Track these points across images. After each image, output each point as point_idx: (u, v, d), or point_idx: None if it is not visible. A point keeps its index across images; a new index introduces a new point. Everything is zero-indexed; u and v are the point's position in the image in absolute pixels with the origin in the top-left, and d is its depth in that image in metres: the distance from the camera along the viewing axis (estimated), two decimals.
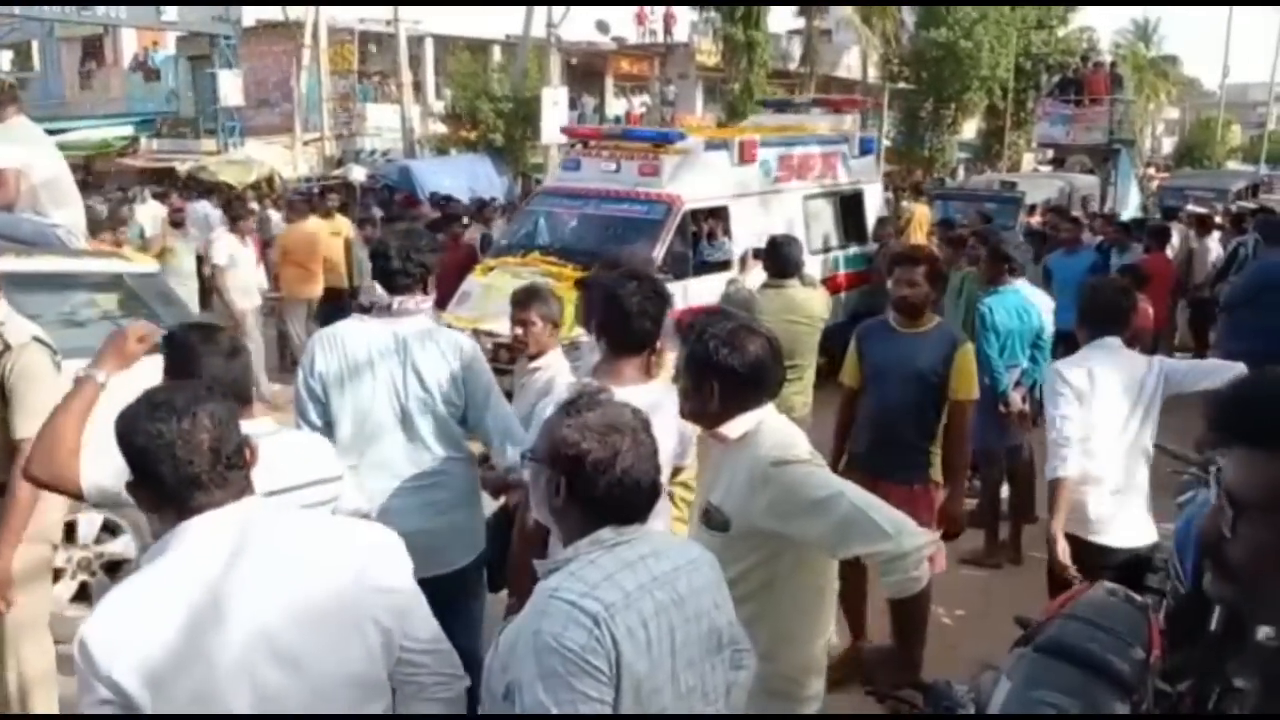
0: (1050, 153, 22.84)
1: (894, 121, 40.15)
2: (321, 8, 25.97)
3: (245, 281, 9.86)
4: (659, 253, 8.41)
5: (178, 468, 1.86)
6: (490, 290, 8.57)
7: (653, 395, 2.97)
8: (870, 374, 4.59)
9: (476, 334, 7.64)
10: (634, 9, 35.13)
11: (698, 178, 9.19)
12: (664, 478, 2.72)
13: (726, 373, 2.59)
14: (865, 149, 11.45)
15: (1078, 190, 16.68)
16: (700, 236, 9.34)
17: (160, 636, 1.77)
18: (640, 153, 9.37)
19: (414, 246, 3.43)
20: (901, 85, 38.58)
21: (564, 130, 14.09)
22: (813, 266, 9.45)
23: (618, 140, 9.98)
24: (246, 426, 2.48)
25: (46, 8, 24.98)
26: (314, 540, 1.99)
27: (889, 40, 36.41)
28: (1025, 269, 6.63)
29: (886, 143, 39.10)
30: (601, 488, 1.97)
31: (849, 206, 11.03)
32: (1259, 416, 1.34)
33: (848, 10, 34.57)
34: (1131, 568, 3.91)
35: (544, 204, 10.16)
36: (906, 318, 4.45)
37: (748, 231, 9.18)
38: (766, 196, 9.84)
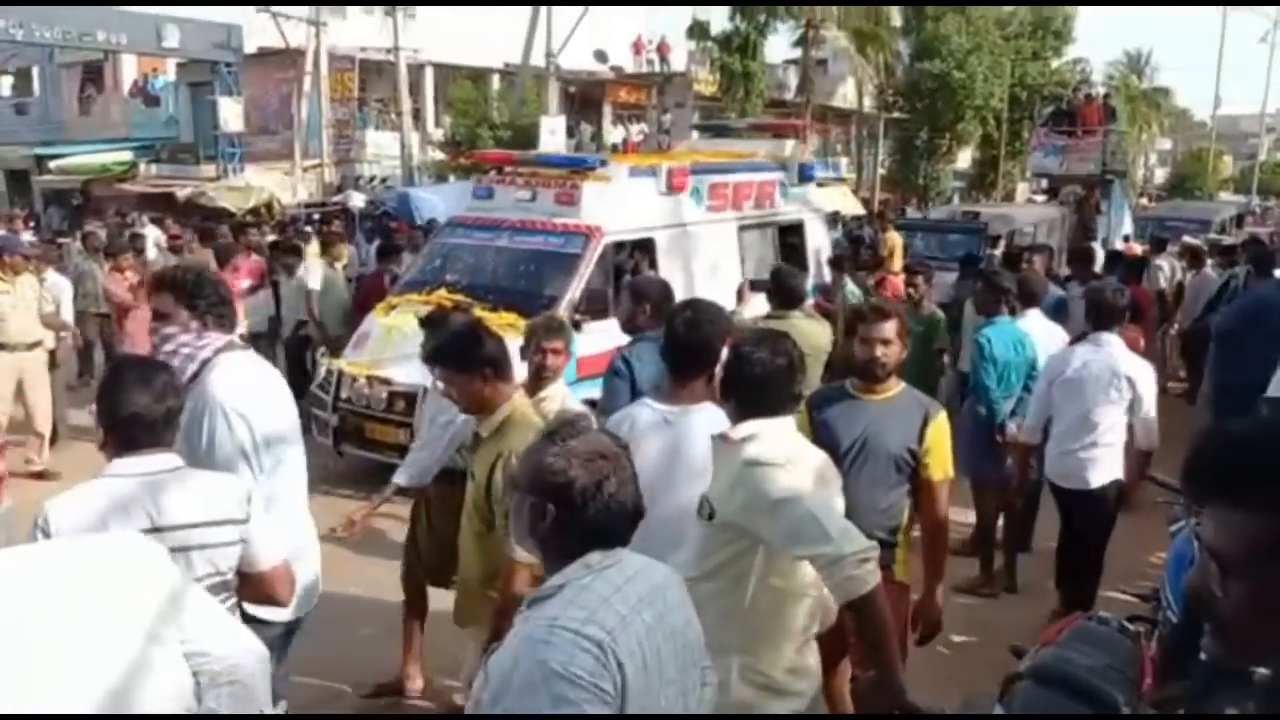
0: (1045, 183, 22.97)
1: (889, 150, 40.49)
2: (323, 35, 26.15)
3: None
4: (575, 289, 7.83)
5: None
6: (391, 332, 7.89)
7: (720, 414, 3.10)
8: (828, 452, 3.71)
9: (370, 382, 7.54)
10: (631, 38, 35.46)
11: (621, 207, 8.42)
12: None
13: (736, 379, 2.86)
14: (805, 176, 10.63)
15: (1040, 222, 16.02)
16: (624, 271, 8.48)
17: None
18: (557, 180, 8.55)
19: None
20: (897, 115, 38.93)
21: (477, 156, 12.95)
22: (750, 301, 8.86)
23: (533, 167, 9.09)
24: (155, 462, 2.63)
25: (47, 32, 25.15)
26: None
27: (884, 71, 36.70)
28: (1041, 298, 6.65)
29: (881, 171, 39.46)
30: (590, 514, 2.00)
31: (789, 238, 10.26)
32: (1230, 474, 1.28)
33: (843, 41, 34.86)
34: None
35: (454, 235, 9.20)
36: (870, 383, 3.76)
37: (676, 265, 8.60)
38: (698, 227, 9.10)
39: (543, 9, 26.77)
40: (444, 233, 9.58)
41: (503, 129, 26.14)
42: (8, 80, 36.86)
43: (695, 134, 13.04)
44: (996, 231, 13.91)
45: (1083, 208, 18.25)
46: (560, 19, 26.87)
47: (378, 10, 26.85)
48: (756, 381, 2.83)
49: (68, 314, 8.92)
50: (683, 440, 3.25)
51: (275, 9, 25.24)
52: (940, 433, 3.72)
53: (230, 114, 26.64)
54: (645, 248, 8.61)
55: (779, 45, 35.14)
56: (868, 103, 38.77)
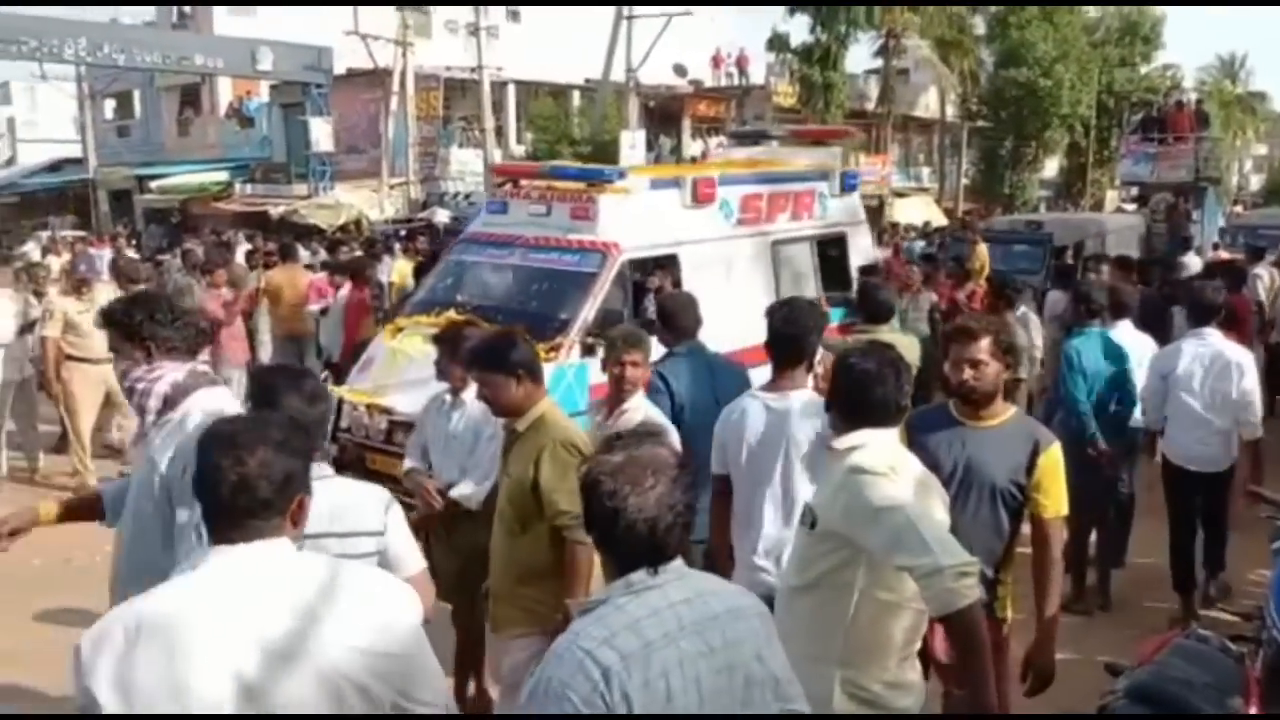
0: (1134, 190, 22.44)
1: (972, 159, 39.88)
2: (409, 56, 26.74)
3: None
4: (589, 310, 7.29)
5: (211, 497, 1.94)
6: (396, 356, 7.42)
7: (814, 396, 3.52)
8: None
9: (371, 410, 7.00)
10: (710, 52, 35.56)
11: (641, 222, 7.83)
12: None
13: (842, 389, 2.89)
14: (848, 185, 9.88)
15: (1110, 231, 14.96)
16: (646, 290, 7.96)
17: (138, 661, 1.81)
18: (572, 194, 7.95)
19: None
20: (980, 123, 38.35)
21: (494, 169, 12.54)
22: None
23: (548, 179, 8.43)
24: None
25: (148, 57, 26.16)
26: (309, 592, 1.94)
27: (967, 79, 36.22)
28: (1133, 309, 6.56)
29: (965, 181, 38.89)
30: (618, 527, 1.96)
31: (829, 252, 9.60)
32: None
33: (925, 50, 34.51)
34: None
35: (466, 252, 8.63)
36: (972, 407, 3.51)
37: (703, 282, 7.78)
38: (727, 242, 8.49)
39: (623, 25, 27.01)
40: (457, 249, 9.02)
41: (583, 144, 26.44)
42: (110, 104, 38.44)
43: (721, 141, 12.60)
44: (1062, 242, 13.14)
45: (1172, 215, 17.78)
46: (640, 34, 27.09)
47: (462, 30, 27.39)
48: (862, 392, 2.83)
49: None
50: (786, 422, 3.68)
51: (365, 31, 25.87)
52: (1053, 465, 3.43)
53: (321, 134, 27.39)
54: (668, 265, 7.97)
55: (860, 56, 34.96)
56: (950, 111, 38.28)
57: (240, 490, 1.91)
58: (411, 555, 2.87)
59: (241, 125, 32.47)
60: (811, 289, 9.12)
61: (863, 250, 9.99)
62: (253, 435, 1.96)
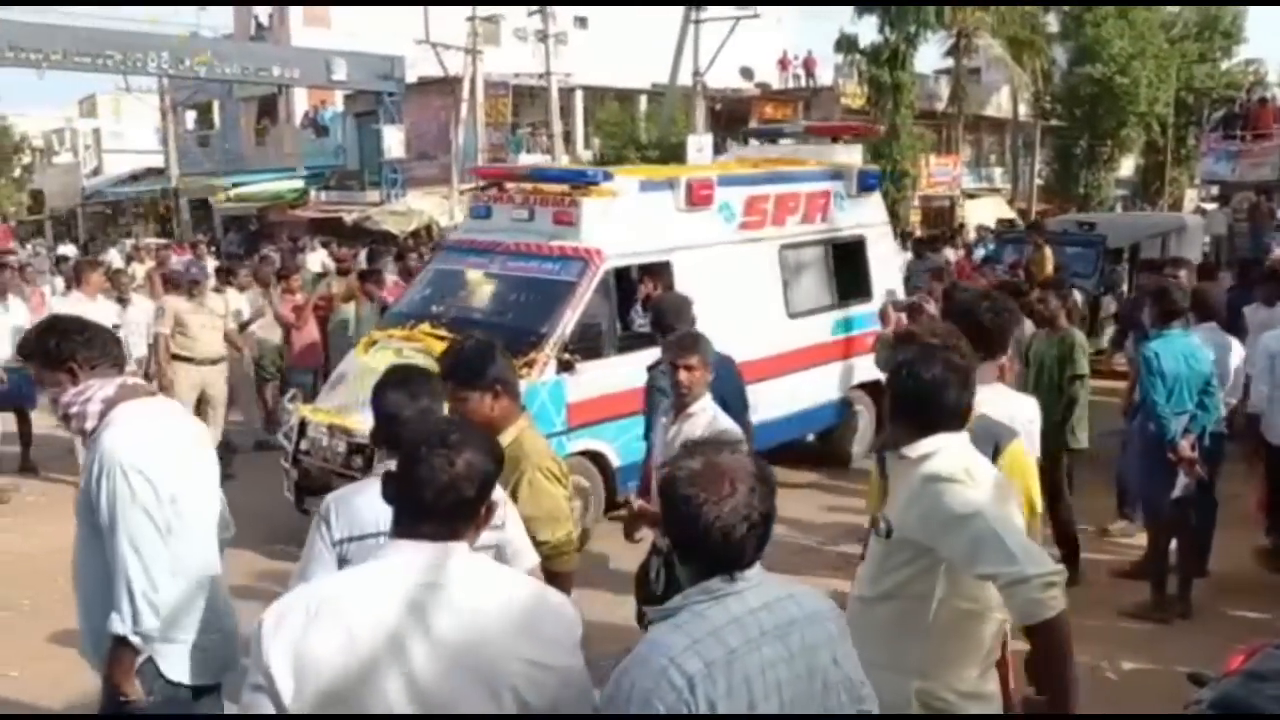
0: (1215, 190, 21.87)
1: (1046, 159, 39.18)
2: (479, 64, 27.10)
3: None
4: (567, 323, 6.86)
5: (415, 493, 2.00)
6: (367, 373, 6.82)
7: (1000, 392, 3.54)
8: None
9: (332, 431, 6.71)
10: (778, 55, 35.46)
11: (628, 227, 7.31)
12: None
13: (908, 395, 2.80)
14: (867, 185, 9.16)
15: (1170, 231, 13.99)
16: (635, 301, 7.49)
17: (315, 640, 1.87)
18: (555, 197, 7.45)
19: None
20: (1054, 122, 37.65)
21: (474, 171, 11.62)
22: (792, 333, 8.21)
23: (534, 182, 7.84)
24: None
25: (227, 69, 26.90)
26: (480, 595, 1.98)
27: (1040, 78, 35.60)
28: (1219, 311, 6.46)
29: (1039, 181, 38.21)
30: (695, 532, 1.97)
31: (846, 257, 8.91)
32: None
33: (997, 49, 34.00)
34: None
35: (447, 260, 8.27)
36: None
37: (701, 292, 7.20)
38: (728, 248, 7.88)
39: (690, 28, 27.07)
40: (439, 257, 8.63)
41: (650, 148, 26.53)
42: (191, 115, 39.57)
43: (729, 141, 11.79)
44: (1117, 244, 12.44)
45: (1255, 215, 17.27)
46: (707, 38, 27.12)
47: (531, 37, 27.68)
48: (932, 398, 2.76)
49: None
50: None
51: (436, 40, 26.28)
52: (1014, 462, 3.20)
53: (393, 141, 27.91)
54: (660, 273, 7.39)
55: (930, 56, 34.54)
56: (1023, 110, 37.66)
57: (447, 490, 1.98)
58: (528, 550, 2.96)
59: (317, 134, 33.20)
60: (826, 297, 8.71)
61: (884, 255, 9.32)
62: (462, 437, 2.04)
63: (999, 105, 38.95)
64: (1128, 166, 40.55)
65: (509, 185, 7.91)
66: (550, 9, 27.00)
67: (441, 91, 28.67)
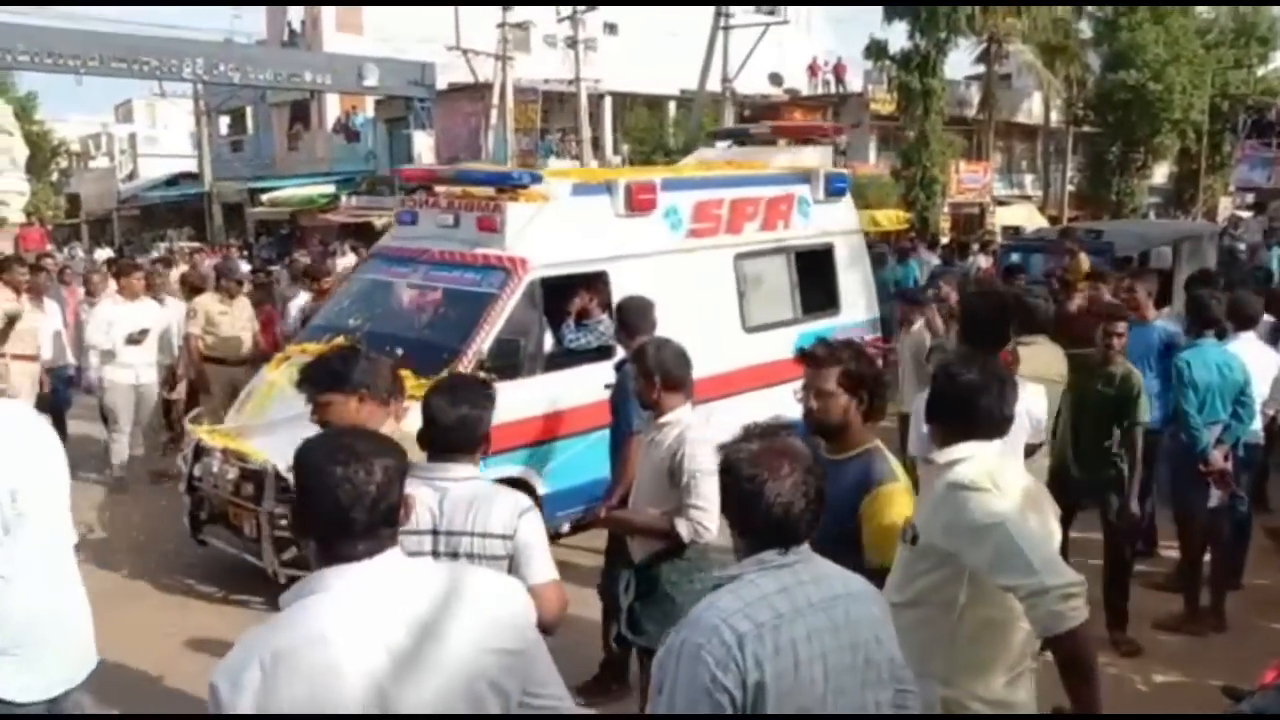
0: (1250, 197, 21.65)
1: (1078, 166, 38.86)
2: (509, 70, 27.24)
3: None
4: (483, 339, 6.32)
5: (338, 512, 1.88)
6: (271, 390, 6.52)
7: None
8: None
9: (226, 455, 6.17)
10: (807, 61, 35.40)
11: (559, 234, 6.81)
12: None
13: (943, 401, 2.85)
14: (834, 189, 8.52)
15: (1181, 239, 13.02)
16: (567, 314, 6.99)
17: (279, 695, 1.78)
18: (481, 202, 6.94)
19: None
20: (1086, 129, 37.34)
21: (399, 173, 10.88)
22: (749, 349, 7.59)
23: (459, 185, 7.31)
24: (453, 469, 2.83)
25: (261, 75, 27.19)
26: (440, 602, 1.94)
27: (1072, 84, 35.33)
28: (1257, 320, 6.30)
29: (1070, 188, 37.90)
30: (757, 509, 2.11)
31: (811, 266, 8.33)
32: None
33: (1029, 54, 33.76)
34: None
35: (371, 269, 7.74)
36: (825, 440, 3.20)
37: None
38: (674, 257, 7.30)
39: (720, 34, 27.09)
40: (364, 266, 8.09)
41: (678, 154, 26.53)
42: (225, 120, 40.01)
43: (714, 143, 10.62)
44: (1125, 253, 11.66)
45: None
46: (737, 44, 27.13)
47: (561, 43, 27.81)
48: (967, 404, 2.78)
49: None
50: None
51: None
52: (878, 509, 2.97)
53: (423, 147, 28.11)
54: (595, 284, 6.93)
55: (960, 62, 34.37)
56: (1055, 117, 37.38)
57: (378, 503, 1.89)
58: (541, 564, 2.81)
59: (348, 139, 33.48)
60: (788, 310, 8.14)
61: (854, 264, 8.68)
62: (369, 446, 1.95)
63: (1030, 111, 38.68)
64: (1161, 173, 40.14)
65: (440, 189, 7.37)
66: (581, 15, 27.11)
67: (471, 97, 28.84)
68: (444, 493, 2.79)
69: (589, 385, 6.42)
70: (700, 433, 3.82)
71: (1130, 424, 5.34)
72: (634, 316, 5.50)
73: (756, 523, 2.12)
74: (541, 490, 6.44)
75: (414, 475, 2.63)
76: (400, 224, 7.70)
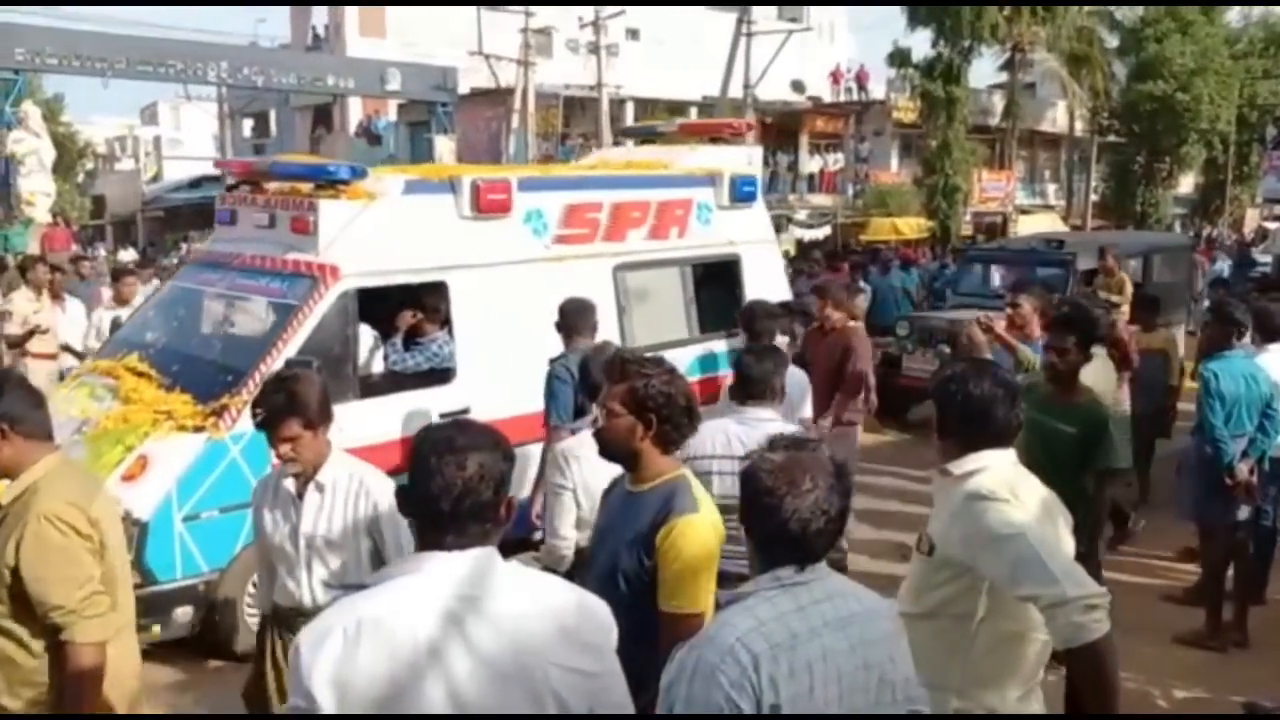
0: (1278, 208, 21.43)
1: (1102, 175, 38.63)
2: (531, 75, 27.32)
3: None
4: (274, 361, 5.39)
5: (432, 503, 1.97)
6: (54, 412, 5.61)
7: None
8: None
9: None
10: (830, 68, 35.32)
11: (385, 238, 5.91)
12: None
13: (955, 411, 2.78)
14: (742, 194, 7.62)
15: (1155, 251, 12.20)
16: (397, 329, 6.27)
17: (358, 660, 1.86)
18: (297, 199, 6.01)
19: None
20: (1111, 139, 37.12)
21: (219, 164, 9.55)
22: None
23: (275, 179, 6.38)
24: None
25: (284, 78, 27.37)
26: (518, 604, 1.98)
27: (1097, 93, 35.13)
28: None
29: (1094, 197, 37.66)
30: (772, 524, 2.06)
31: (713, 280, 7.43)
32: None
33: (1053, 63, 33.59)
34: None
35: (185, 277, 6.89)
36: (623, 466, 2.96)
37: (490, 321, 6.18)
38: (534, 266, 6.45)
39: (742, 41, 27.09)
40: (179, 273, 7.31)
41: None
42: (248, 123, 40.31)
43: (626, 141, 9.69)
44: (1090, 265, 10.84)
45: None
46: (759, 51, 27.11)
47: (583, 49, 27.85)
48: (982, 414, 2.74)
49: None
50: None
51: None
52: (672, 543, 2.67)
53: (444, 151, 28.16)
54: (431, 296, 6.17)
55: (984, 70, 34.22)
56: (1079, 126, 37.17)
57: (465, 495, 1.95)
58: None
59: (370, 143, 33.61)
60: (681, 329, 7.21)
61: (766, 277, 7.61)
62: (469, 440, 2.01)
63: (1054, 120, 38.49)
64: (1187, 184, 39.86)
65: (268, 185, 6.41)
66: (603, 21, 27.15)
67: (493, 102, 28.91)
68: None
69: (420, 413, 5.74)
70: (568, 447, 3.73)
71: (1101, 470, 4.42)
72: (573, 317, 5.49)
73: (773, 537, 2.08)
74: None
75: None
76: (219, 224, 6.77)
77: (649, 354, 3.23)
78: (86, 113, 44.30)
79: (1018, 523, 2.59)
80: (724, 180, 7.54)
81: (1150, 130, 34.18)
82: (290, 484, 3.42)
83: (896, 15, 30.12)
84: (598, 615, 2.09)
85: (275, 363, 5.36)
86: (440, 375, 6.10)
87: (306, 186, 6.07)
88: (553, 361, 5.42)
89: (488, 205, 6.24)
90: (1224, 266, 16.92)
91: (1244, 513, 5.61)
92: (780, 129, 33.39)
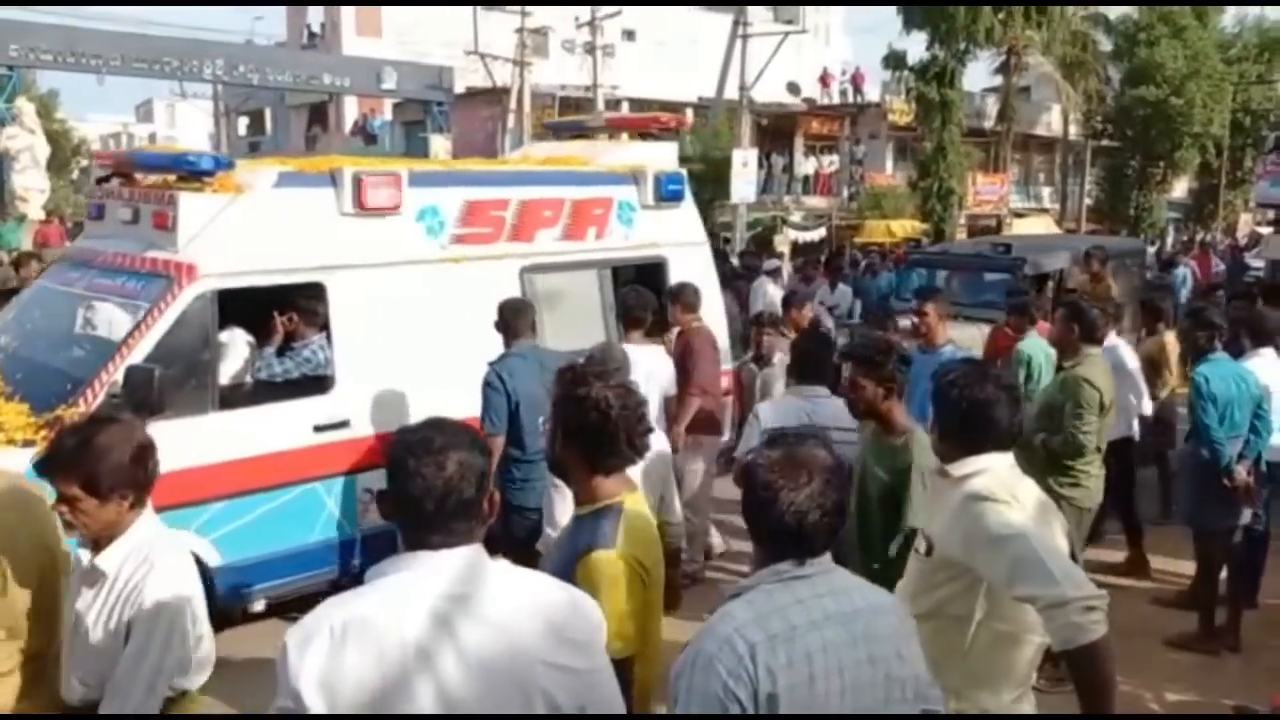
0: (1271, 213, 21.47)
1: (1096, 179, 38.75)
2: (527, 75, 27.33)
3: None
4: (115, 371, 4.98)
5: (412, 503, 1.95)
6: None
7: None
8: None
9: None
10: (820, 71, 35.38)
11: (253, 234, 5.44)
12: None
13: (954, 414, 2.79)
14: (668, 193, 7.14)
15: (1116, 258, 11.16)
16: (272, 332, 5.83)
17: (345, 661, 1.84)
18: (160, 193, 5.57)
19: None
20: (1105, 142, 37.23)
21: (95, 156, 8.76)
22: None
23: (138, 170, 5.98)
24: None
25: (280, 77, 27.34)
26: (508, 602, 1.97)
27: (1091, 98, 35.24)
28: (1275, 337, 6.14)
29: (1088, 201, 37.76)
30: (769, 517, 2.08)
31: (641, 281, 6.78)
32: None
33: (1047, 67, 33.69)
34: None
35: (49, 277, 6.32)
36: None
37: (376, 326, 5.71)
38: (427, 268, 5.99)
39: (737, 43, 27.14)
40: (47, 272, 6.70)
41: (695, 161, 26.56)
42: (244, 121, 40.25)
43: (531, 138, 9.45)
44: (1042, 269, 10.40)
45: None
46: (755, 52, 27.17)
47: (579, 49, 27.86)
48: (982, 417, 2.76)
49: None
50: None
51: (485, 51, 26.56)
52: (582, 581, 2.41)
53: (439, 150, 28.13)
54: (306, 299, 5.71)
55: (979, 73, 34.33)
56: (1073, 130, 37.28)
57: (447, 494, 1.94)
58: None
59: (365, 141, 33.57)
60: (599, 335, 6.56)
61: (696, 280, 6.96)
62: (446, 439, 1.99)
63: (1048, 124, 38.62)
64: (1180, 188, 39.99)
65: (139, 177, 5.94)
66: (599, 21, 27.18)
67: (489, 101, 28.90)
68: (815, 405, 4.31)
69: (292, 426, 5.41)
70: None
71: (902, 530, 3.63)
72: (511, 317, 5.41)
73: (770, 531, 2.10)
74: (214, 562, 5.13)
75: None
76: (88, 219, 6.37)
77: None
78: (81, 110, 44.22)
79: (1017, 524, 2.61)
80: (648, 178, 7.07)
81: (1144, 134, 34.32)
82: (85, 554, 2.71)
83: (892, 18, 30.13)
84: (587, 613, 2.09)
85: (118, 371, 4.96)
86: (316, 384, 5.64)
87: (159, 178, 5.71)
88: (489, 366, 5.29)
89: (372, 201, 5.80)
90: (1185, 273, 16.94)
91: (1245, 516, 5.62)
92: (775, 131, 33.46)
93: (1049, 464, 5.06)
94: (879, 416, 3.83)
